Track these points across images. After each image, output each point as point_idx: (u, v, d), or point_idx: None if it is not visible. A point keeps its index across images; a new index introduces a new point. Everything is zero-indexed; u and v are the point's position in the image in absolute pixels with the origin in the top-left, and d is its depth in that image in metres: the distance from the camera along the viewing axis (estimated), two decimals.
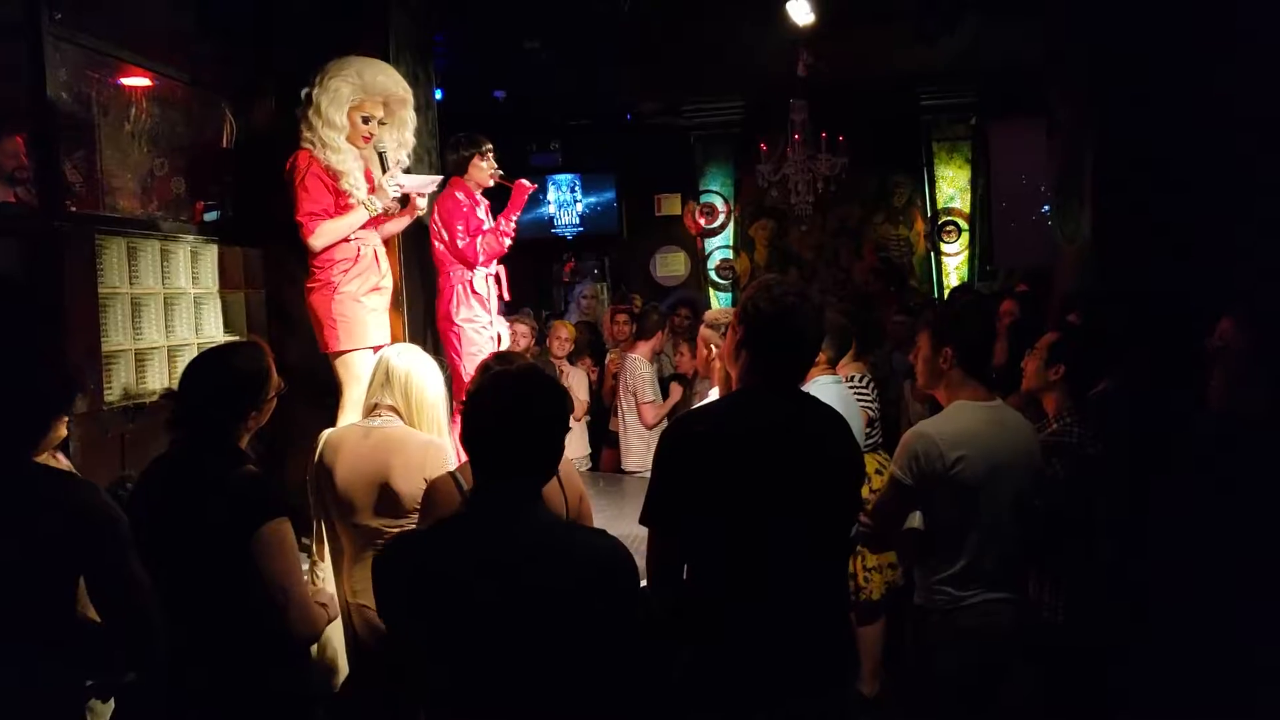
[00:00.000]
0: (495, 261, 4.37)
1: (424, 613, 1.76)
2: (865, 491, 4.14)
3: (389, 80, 3.89)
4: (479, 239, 4.22)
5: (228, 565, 2.08)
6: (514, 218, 4.38)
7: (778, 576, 2.07)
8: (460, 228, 4.20)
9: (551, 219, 10.25)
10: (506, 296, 4.48)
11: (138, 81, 3.82)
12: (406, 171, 4.05)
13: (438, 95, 5.11)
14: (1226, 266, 4.16)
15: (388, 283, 3.90)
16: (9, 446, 1.72)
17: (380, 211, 3.79)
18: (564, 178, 10.21)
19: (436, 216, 4.26)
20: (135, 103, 3.78)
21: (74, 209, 3.38)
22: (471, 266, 4.22)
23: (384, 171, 3.87)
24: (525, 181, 4.47)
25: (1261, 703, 2.38)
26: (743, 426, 2.09)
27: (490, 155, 4.36)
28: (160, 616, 1.81)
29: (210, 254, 4.00)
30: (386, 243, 4.02)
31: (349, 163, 3.73)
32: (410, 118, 4.05)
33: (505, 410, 1.80)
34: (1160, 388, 3.23)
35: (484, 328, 4.29)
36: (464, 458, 2.97)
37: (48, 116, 3.23)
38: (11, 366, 1.71)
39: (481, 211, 4.36)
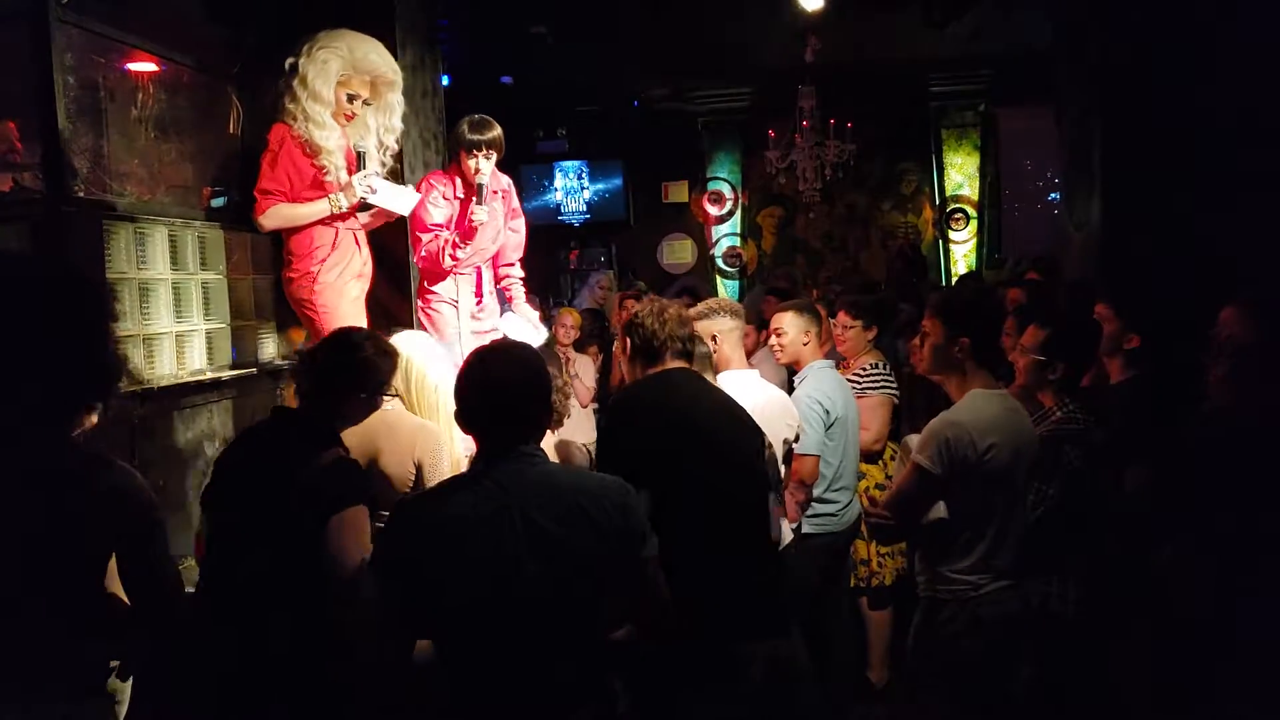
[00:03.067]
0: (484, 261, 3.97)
1: (434, 564, 1.87)
2: (880, 476, 4.17)
3: (379, 59, 3.69)
4: (422, 244, 3.87)
5: (301, 544, 2.13)
6: (481, 214, 3.81)
7: (701, 530, 2.36)
8: (414, 223, 3.87)
9: (558, 206, 10.24)
10: (507, 298, 4.13)
11: (144, 67, 3.81)
12: (395, 171, 3.82)
13: (444, 81, 5.09)
14: (1235, 255, 4.13)
15: (368, 269, 3.82)
16: (50, 425, 1.72)
17: (344, 209, 3.59)
18: (571, 164, 10.20)
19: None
20: (142, 88, 3.77)
21: (81, 194, 3.37)
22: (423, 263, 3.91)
23: (360, 169, 3.63)
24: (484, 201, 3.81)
25: (1263, 695, 2.37)
26: (651, 405, 2.52)
27: (482, 154, 3.78)
28: (181, 605, 1.83)
29: (218, 239, 3.99)
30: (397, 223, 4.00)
31: (332, 139, 3.57)
32: (398, 101, 3.82)
33: (480, 378, 1.98)
34: (1163, 379, 3.20)
35: (446, 328, 3.92)
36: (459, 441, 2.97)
37: (54, 101, 3.22)
38: (60, 346, 1.71)
39: (454, 211, 3.85)
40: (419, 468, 2.75)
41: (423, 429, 2.80)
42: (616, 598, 1.96)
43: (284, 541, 2.14)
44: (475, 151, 3.80)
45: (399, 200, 3.76)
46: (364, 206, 3.69)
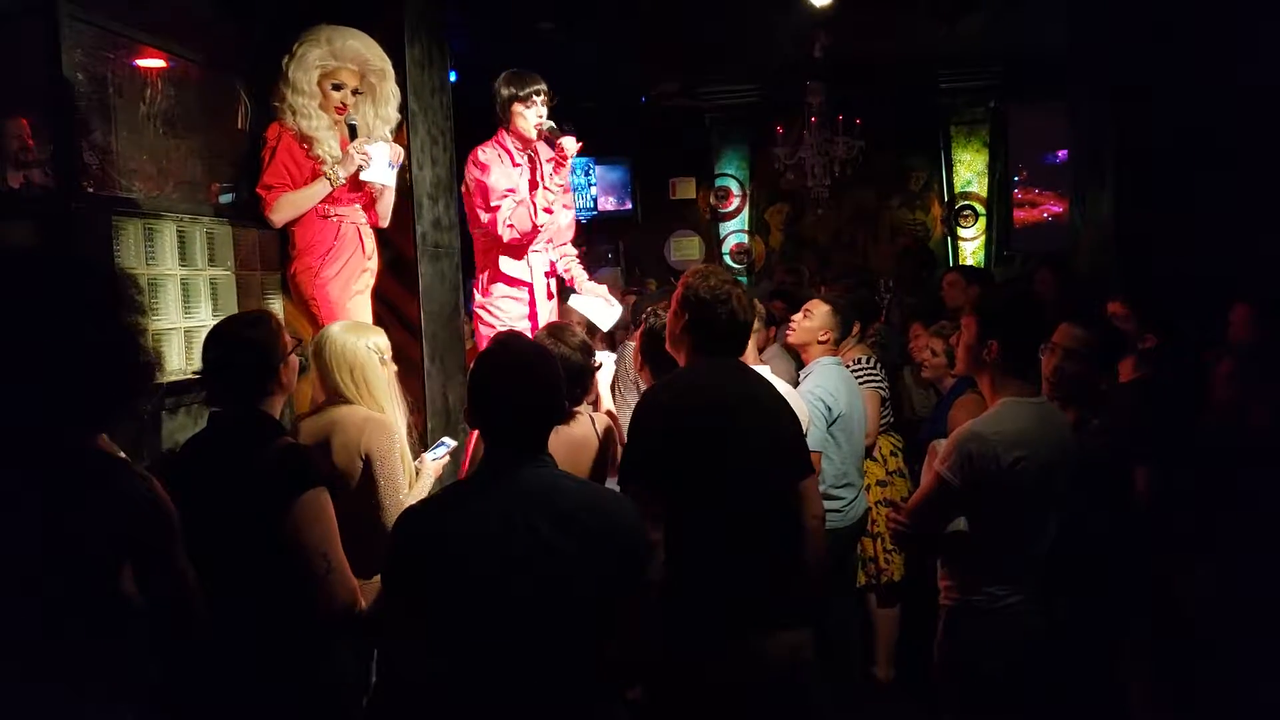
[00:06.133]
0: (548, 240, 3.79)
1: (434, 570, 1.85)
2: (881, 473, 4.18)
3: (361, 46, 3.68)
4: (503, 211, 3.66)
5: (265, 539, 2.10)
6: (554, 186, 3.71)
7: (735, 523, 2.34)
8: (480, 198, 3.67)
9: None
10: (568, 281, 3.95)
11: (153, 63, 3.81)
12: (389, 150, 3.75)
13: (452, 77, 5.08)
14: (1249, 254, 4.11)
15: (373, 264, 3.81)
16: (76, 430, 1.71)
17: (344, 182, 3.59)
18: (578, 161, 10.16)
19: (466, 177, 3.80)
20: (151, 84, 3.77)
21: (90, 190, 3.38)
22: (500, 243, 3.71)
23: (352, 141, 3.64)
24: (569, 141, 3.72)
25: (1262, 700, 2.35)
26: (704, 395, 2.42)
27: (540, 100, 3.67)
28: (202, 610, 1.81)
29: (226, 236, 3.99)
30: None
31: (322, 130, 3.58)
32: (392, 91, 3.78)
33: (498, 380, 1.95)
34: (1175, 378, 3.18)
35: (513, 320, 3.78)
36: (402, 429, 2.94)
37: (64, 97, 3.22)
38: (90, 350, 1.69)
39: (520, 175, 3.72)
40: (367, 460, 2.73)
41: (369, 421, 2.77)
42: (613, 618, 1.92)
43: (248, 536, 2.12)
44: (534, 99, 3.68)
45: (389, 166, 3.70)
46: (357, 185, 3.68)
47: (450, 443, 3.17)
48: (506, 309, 3.84)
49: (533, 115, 3.70)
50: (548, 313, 3.88)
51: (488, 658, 1.84)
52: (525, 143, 3.72)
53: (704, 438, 2.34)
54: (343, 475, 2.71)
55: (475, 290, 3.95)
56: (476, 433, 2.60)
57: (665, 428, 2.36)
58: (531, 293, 3.85)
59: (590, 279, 4.06)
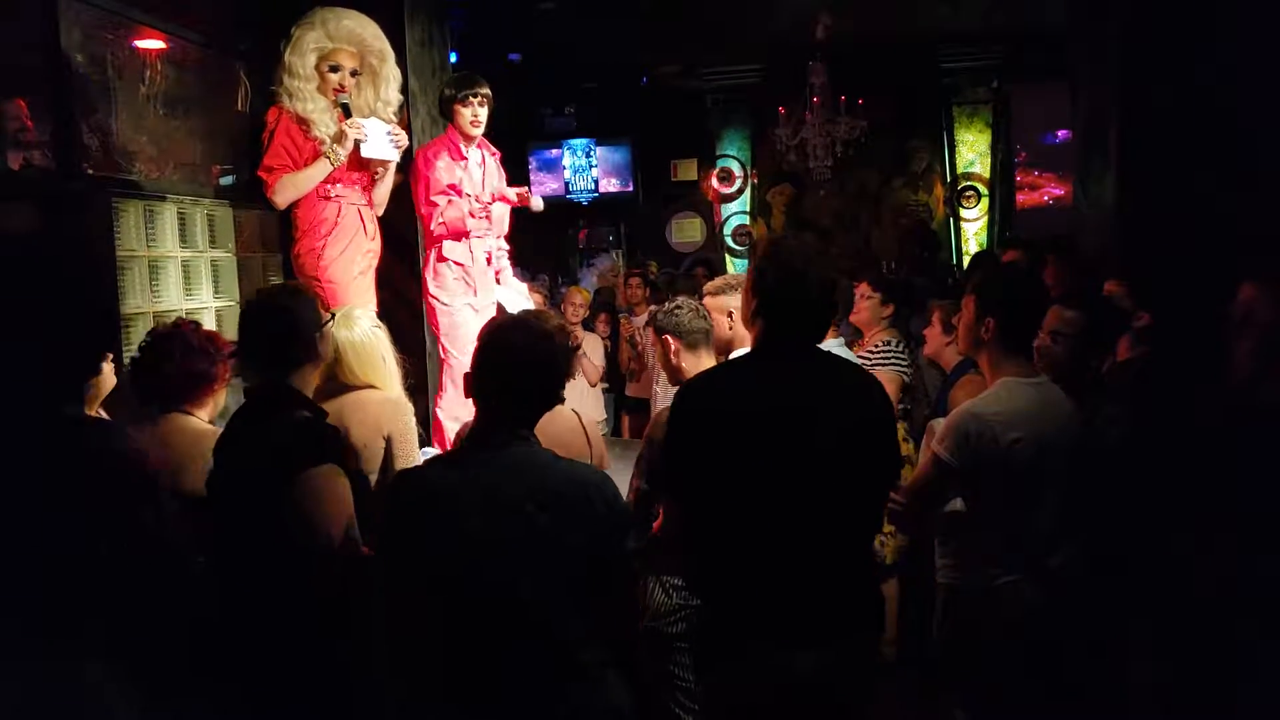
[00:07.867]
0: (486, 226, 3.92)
1: (423, 536, 1.89)
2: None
3: (357, 26, 3.67)
4: (438, 209, 3.75)
5: (276, 510, 2.10)
6: (509, 193, 3.95)
7: (791, 534, 2.10)
8: (423, 190, 3.76)
9: (566, 184, 10.20)
10: (495, 271, 4.03)
11: (152, 44, 3.80)
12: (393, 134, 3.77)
13: (452, 58, 5.06)
14: (1253, 232, 4.09)
15: (375, 245, 3.80)
16: (47, 396, 1.72)
17: (343, 161, 3.58)
18: (579, 142, 10.13)
19: (412, 167, 3.84)
20: (150, 65, 3.76)
21: (90, 172, 3.38)
22: (431, 238, 3.81)
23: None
24: (532, 200, 3.99)
25: (1261, 694, 2.36)
26: (756, 393, 2.15)
27: (477, 102, 3.77)
28: (184, 563, 1.82)
29: (227, 217, 3.99)
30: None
31: (319, 112, 3.58)
32: (392, 74, 3.78)
33: (495, 351, 1.99)
34: (1179, 361, 3.17)
35: (464, 305, 3.85)
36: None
37: (63, 78, 3.22)
38: (53, 318, 1.71)
39: (463, 170, 3.81)
40: (389, 441, 2.76)
41: (386, 402, 2.81)
42: (595, 591, 1.94)
43: (261, 508, 2.12)
44: (470, 100, 3.76)
45: (389, 143, 3.71)
46: (358, 167, 3.67)
47: None
48: (455, 290, 3.86)
49: (468, 114, 3.77)
50: (492, 296, 3.94)
51: (466, 626, 1.88)
52: (469, 140, 3.81)
53: (729, 451, 2.09)
54: (361, 453, 2.73)
55: (425, 275, 3.90)
56: None
57: (702, 434, 2.13)
58: (469, 274, 3.88)
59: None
